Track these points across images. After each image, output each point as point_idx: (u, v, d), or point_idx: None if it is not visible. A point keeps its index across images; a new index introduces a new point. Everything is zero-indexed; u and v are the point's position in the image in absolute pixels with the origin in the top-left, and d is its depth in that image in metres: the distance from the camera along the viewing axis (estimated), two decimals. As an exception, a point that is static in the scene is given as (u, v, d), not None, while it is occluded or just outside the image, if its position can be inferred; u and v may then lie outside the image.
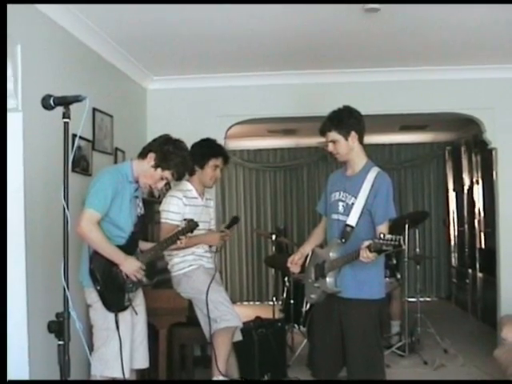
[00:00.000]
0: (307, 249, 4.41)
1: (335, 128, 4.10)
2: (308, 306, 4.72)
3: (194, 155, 4.75)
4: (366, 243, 3.70)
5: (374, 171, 4.09)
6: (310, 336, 4.50)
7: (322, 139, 4.28)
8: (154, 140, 4.20)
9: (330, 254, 4.06)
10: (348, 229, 4.01)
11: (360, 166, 4.16)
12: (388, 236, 3.61)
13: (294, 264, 4.36)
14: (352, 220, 4.02)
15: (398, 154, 11.65)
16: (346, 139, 4.10)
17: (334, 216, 4.19)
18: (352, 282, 4.04)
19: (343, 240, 4.01)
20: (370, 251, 3.68)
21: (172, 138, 4.19)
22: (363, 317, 4.06)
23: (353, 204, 4.05)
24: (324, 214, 4.42)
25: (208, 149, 5.05)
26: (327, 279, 4.06)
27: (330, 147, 4.18)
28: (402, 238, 3.61)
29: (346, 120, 4.11)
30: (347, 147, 4.12)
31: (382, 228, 3.94)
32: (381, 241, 3.61)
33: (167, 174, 4.10)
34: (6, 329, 3.59)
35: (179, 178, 4.25)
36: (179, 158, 4.10)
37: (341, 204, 4.14)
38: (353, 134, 4.10)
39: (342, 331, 4.11)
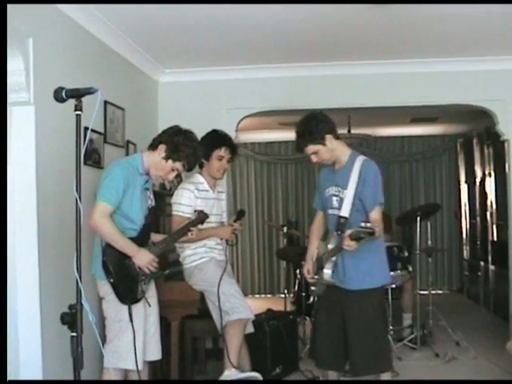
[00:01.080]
0: (313, 251, 4.46)
1: (310, 141, 4.15)
2: (312, 298, 4.81)
3: (201, 148, 4.77)
4: (348, 232, 3.83)
5: (359, 160, 4.16)
6: (313, 328, 4.55)
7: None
8: (164, 131, 4.20)
9: (329, 247, 4.17)
10: (342, 220, 4.09)
11: (345, 159, 4.23)
12: (364, 224, 3.75)
13: (309, 276, 4.40)
14: (345, 211, 4.10)
15: (410, 146, 11.60)
16: (325, 145, 4.15)
17: (330, 211, 4.30)
18: (355, 274, 4.14)
19: (339, 232, 4.07)
20: (352, 240, 3.78)
21: (182, 129, 4.19)
22: (366, 307, 4.14)
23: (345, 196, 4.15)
24: (321, 209, 4.51)
25: (211, 140, 5.05)
26: (324, 271, 4.15)
27: (314, 159, 4.24)
28: (377, 225, 3.79)
29: (315, 129, 4.14)
30: (329, 151, 4.18)
31: (374, 214, 4.06)
32: (359, 229, 3.74)
33: (178, 165, 4.11)
34: (5, 329, 3.60)
35: (190, 168, 4.26)
36: (190, 149, 4.10)
37: (334, 199, 4.24)
38: (327, 137, 4.14)
39: (344, 323, 4.17)
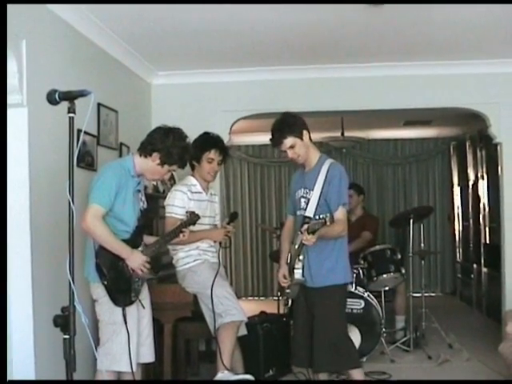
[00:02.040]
0: (285, 255, 4.53)
1: (289, 133, 4.27)
2: (289, 301, 4.92)
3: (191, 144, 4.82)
4: (305, 227, 3.97)
5: (327, 163, 4.31)
6: (293, 328, 4.69)
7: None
8: (152, 135, 4.17)
9: (296, 247, 4.26)
10: (307, 220, 4.20)
11: (315, 161, 4.37)
12: (318, 217, 4.11)
13: (285, 280, 4.46)
14: (310, 211, 4.26)
15: (403, 149, 11.62)
16: (302, 139, 4.29)
17: (298, 213, 4.44)
18: (319, 271, 4.30)
19: (301, 232, 4.17)
20: (308, 233, 3.92)
21: (169, 128, 4.18)
22: (328, 304, 4.28)
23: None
24: (292, 213, 4.63)
25: (201, 143, 5.05)
26: (295, 271, 4.27)
27: (290, 153, 4.34)
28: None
29: (293, 123, 4.30)
30: (305, 147, 4.33)
31: (337, 214, 4.20)
32: (313, 221, 3.98)
33: (174, 167, 4.17)
34: (5, 329, 3.60)
35: (184, 164, 4.30)
36: (181, 148, 4.13)
37: (303, 200, 4.37)
38: (305, 132, 4.30)
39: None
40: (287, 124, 4.29)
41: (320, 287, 4.29)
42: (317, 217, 4.17)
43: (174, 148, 4.07)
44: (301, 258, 4.23)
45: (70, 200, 2.84)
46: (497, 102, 6.70)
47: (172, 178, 6.39)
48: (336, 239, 4.28)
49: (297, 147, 4.28)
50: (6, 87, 3.90)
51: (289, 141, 4.26)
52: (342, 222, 4.22)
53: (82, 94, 2.88)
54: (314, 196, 4.25)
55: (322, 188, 4.23)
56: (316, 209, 4.24)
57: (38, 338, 4.17)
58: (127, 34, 5.54)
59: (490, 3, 4.77)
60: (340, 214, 4.22)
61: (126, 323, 3.90)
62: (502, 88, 6.67)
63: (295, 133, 4.25)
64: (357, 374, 4.34)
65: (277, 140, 4.31)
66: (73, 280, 2.83)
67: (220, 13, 4.99)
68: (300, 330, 4.49)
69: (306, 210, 4.30)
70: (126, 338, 3.90)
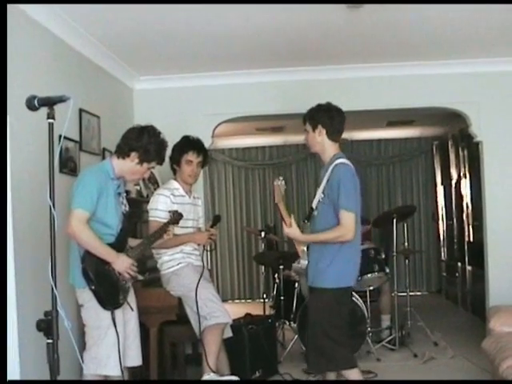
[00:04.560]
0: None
1: (308, 119, 4.42)
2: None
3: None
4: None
5: (334, 164, 4.28)
6: None
7: None
8: (126, 136, 4.21)
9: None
10: (310, 210, 4.37)
11: (327, 160, 4.38)
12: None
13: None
14: (314, 203, 4.36)
15: (386, 149, 11.69)
16: (314, 131, 4.36)
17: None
18: (313, 270, 4.31)
19: (305, 220, 4.38)
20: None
21: (142, 127, 4.22)
22: (314, 305, 4.31)
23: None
24: None
25: (180, 146, 5.10)
26: (301, 261, 4.41)
27: (305, 136, 4.49)
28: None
29: (316, 113, 4.40)
30: (313, 139, 4.39)
31: (340, 218, 4.16)
32: None
33: (153, 164, 4.21)
34: (5, 329, 3.60)
35: (163, 160, 4.33)
36: (157, 144, 4.17)
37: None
38: (320, 127, 4.34)
39: None
40: (312, 111, 4.42)
41: (312, 287, 4.33)
42: (316, 212, 4.29)
43: (150, 145, 4.11)
44: (304, 249, 4.35)
45: (51, 205, 2.85)
46: (477, 102, 6.77)
47: (156, 182, 6.41)
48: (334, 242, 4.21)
49: (308, 135, 4.42)
50: (6, 87, 3.89)
51: (306, 126, 4.42)
52: (341, 226, 4.14)
53: (61, 99, 2.89)
54: (318, 193, 4.32)
55: (324, 188, 4.26)
56: (318, 203, 4.31)
57: (23, 343, 4.16)
58: (108, 39, 5.55)
59: (469, 3, 4.81)
60: (342, 217, 4.13)
61: (115, 326, 3.91)
62: (481, 87, 6.74)
63: (311, 121, 4.38)
64: (352, 374, 4.30)
65: (303, 119, 4.47)
66: (55, 284, 2.84)
67: (201, 16, 5.00)
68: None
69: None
70: (112, 341, 3.91)
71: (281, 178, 4.38)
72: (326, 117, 4.34)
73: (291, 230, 4.26)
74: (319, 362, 4.30)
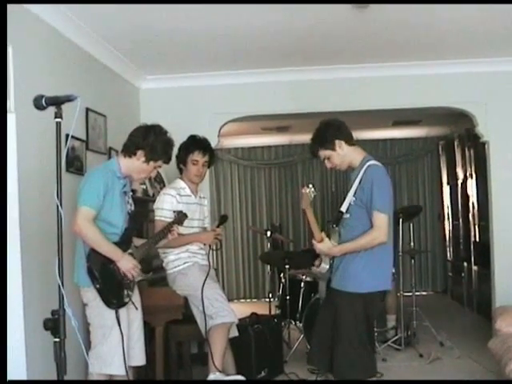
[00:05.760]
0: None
1: (320, 146, 4.26)
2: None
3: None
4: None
5: (365, 166, 4.18)
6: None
7: None
8: (133, 135, 4.22)
9: (327, 240, 4.28)
10: (339, 215, 4.21)
11: (357, 164, 4.26)
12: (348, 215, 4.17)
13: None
14: (343, 207, 4.20)
15: (392, 149, 11.68)
16: (335, 150, 4.23)
17: None
18: (342, 274, 4.17)
19: (334, 225, 4.26)
20: None
21: (148, 125, 4.23)
22: (346, 310, 4.12)
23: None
24: None
25: (186, 145, 5.10)
26: (322, 265, 4.37)
27: (327, 164, 4.33)
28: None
29: (324, 134, 4.25)
30: (340, 157, 4.25)
31: (373, 219, 4.05)
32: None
33: (159, 162, 4.20)
34: (5, 329, 3.61)
35: (169, 159, 4.32)
36: (164, 142, 4.17)
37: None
38: (337, 142, 4.21)
39: (334, 322, 4.19)
40: (319, 137, 4.27)
41: (342, 291, 4.15)
42: (347, 215, 4.16)
43: (157, 143, 4.11)
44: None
45: (58, 204, 2.85)
46: (484, 101, 6.76)
47: (162, 181, 6.41)
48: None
49: (332, 158, 4.25)
50: (6, 88, 3.90)
51: (322, 153, 4.26)
52: (374, 229, 4.04)
53: (68, 98, 2.89)
54: (348, 196, 4.18)
55: (356, 191, 4.13)
56: (348, 208, 4.18)
57: (30, 342, 4.18)
58: (114, 39, 5.55)
59: (477, 3, 4.81)
60: (375, 219, 4.04)
61: (119, 325, 3.91)
62: (488, 87, 6.73)
63: (326, 145, 4.21)
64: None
65: (312, 153, 4.35)
66: (62, 283, 2.84)
67: (207, 16, 5.00)
68: (318, 327, 4.39)
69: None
70: (117, 340, 3.92)
71: (310, 186, 4.35)
72: (333, 130, 4.24)
73: (323, 245, 4.20)
74: (344, 370, 4.10)
